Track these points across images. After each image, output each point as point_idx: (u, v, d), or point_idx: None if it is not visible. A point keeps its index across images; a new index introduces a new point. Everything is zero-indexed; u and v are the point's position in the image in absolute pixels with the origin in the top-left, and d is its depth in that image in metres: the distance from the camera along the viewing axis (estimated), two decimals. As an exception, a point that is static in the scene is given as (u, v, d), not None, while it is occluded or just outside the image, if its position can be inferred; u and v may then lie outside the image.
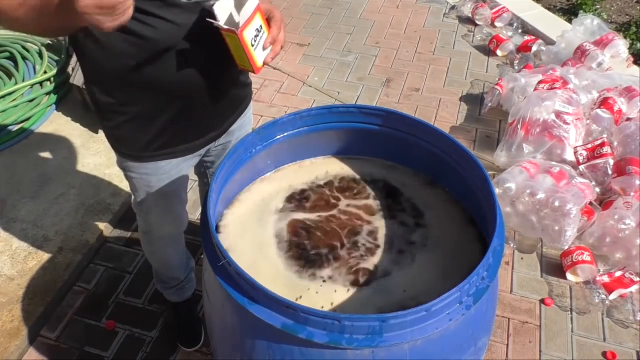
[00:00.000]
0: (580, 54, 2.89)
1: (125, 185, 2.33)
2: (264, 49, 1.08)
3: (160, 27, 1.05)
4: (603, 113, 2.45)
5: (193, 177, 1.64)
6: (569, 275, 2.02)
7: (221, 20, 0.99)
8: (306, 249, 1.13)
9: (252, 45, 1.04)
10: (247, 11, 1.02)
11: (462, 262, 1.07)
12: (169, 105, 1.19)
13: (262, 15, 1.06)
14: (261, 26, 1.06)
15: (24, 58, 2.86)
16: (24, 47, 2.92)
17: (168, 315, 1.88)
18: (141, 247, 2.13)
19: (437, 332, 0.85)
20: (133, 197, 1.47)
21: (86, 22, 0.85)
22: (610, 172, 2.25)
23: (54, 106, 2.74)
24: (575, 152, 2.33)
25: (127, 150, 1.29)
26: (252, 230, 1.17)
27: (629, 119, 2.51)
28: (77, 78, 2.55)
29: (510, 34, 3.42)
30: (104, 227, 2.17)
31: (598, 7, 3.88)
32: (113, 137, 1.29)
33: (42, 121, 2.65)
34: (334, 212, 1.22)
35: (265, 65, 1.10)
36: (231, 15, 1.01)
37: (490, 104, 2.79)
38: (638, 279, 1.96)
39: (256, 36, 1.05)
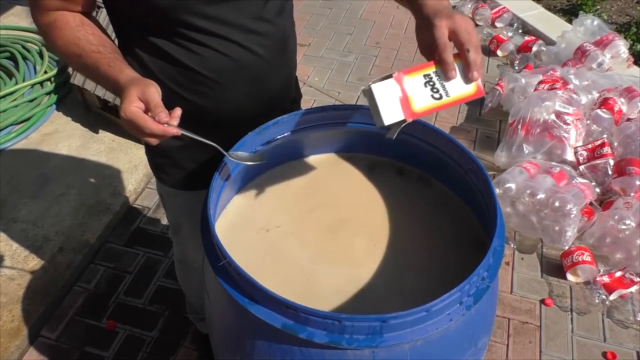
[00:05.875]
0: (580, 54, 2.89)
1: (125, 186, 2.33)
2: (466, 78, 0.86)
3: (210, 57, 1.02)
4: (603, 113, 2.45)
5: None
6: (569, 276, 2.02)
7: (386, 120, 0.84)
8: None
9: (437, 98, 0.85)
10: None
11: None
12: (217, 133, 1.12)
13: (419, 68, 0.86)
14: (426, 75, 0.86)
15: (24, 58, 2.86)
16: (24, 47, 2.92)
17: (198, 347, 1.82)
18: (141, 247, 2.15)
19: (437, 332, 0.85)
20: (170, 226, 1.44)
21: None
22: (610, 172, 2.25)
23: (54, 106, 2.74)
24: (575, 152, 2.33)
25: (168, 177, 1.25)
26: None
27: (629, 119, 2.51)
28: (78, 78, 2.54)
29: (510, 34, 3.41)
30: (104, 227, 2.17)
31: (598, 7, 3.88)
32: (155, 164, 1.25)
33: (42, 121, 2.65)
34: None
35: (478, 83, 0.87)
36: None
37: (490, 104, 2.79)
38: (638, 279, 1.96)
39: (432, 90, 0.86)
